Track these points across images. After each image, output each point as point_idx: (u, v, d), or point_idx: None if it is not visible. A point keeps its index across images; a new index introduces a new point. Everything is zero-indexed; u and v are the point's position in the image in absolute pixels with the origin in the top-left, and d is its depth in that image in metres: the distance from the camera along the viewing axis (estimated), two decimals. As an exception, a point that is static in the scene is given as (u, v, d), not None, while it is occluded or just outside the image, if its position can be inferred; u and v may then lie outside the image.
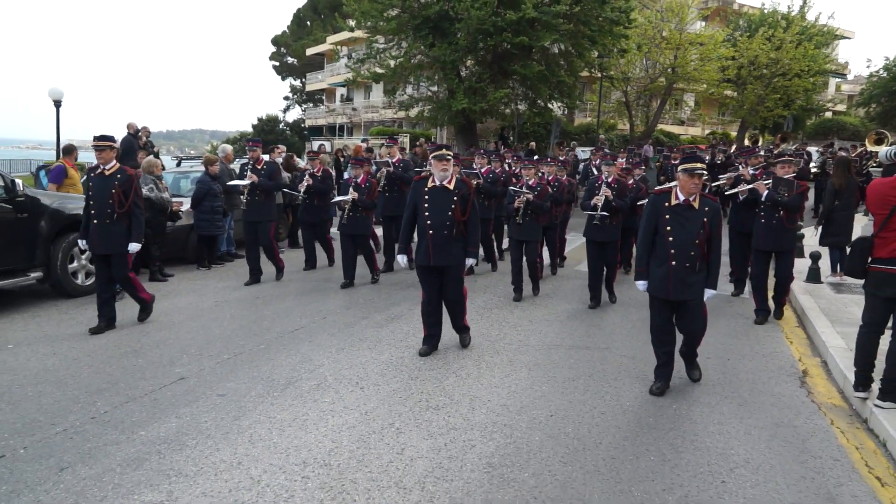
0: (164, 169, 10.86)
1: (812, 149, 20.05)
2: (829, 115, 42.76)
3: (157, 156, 14.28)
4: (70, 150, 9.60)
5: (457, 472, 3.79)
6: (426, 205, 5.84)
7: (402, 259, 6.11)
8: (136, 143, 14.23)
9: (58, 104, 14.96)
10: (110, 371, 5.41)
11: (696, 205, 5.02)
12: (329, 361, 5.69)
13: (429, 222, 5.80)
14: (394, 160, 10.17)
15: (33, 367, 5.48)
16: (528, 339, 6.53)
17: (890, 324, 4.80)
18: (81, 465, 3.80)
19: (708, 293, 5.12)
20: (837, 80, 47.70)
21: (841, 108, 45.22)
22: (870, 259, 4.78)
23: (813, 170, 14.08)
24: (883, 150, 6.08)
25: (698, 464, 3.96)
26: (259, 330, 6.66)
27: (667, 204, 5.09)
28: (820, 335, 6.55)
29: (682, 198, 5.05)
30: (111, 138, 6.74)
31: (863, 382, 4.92)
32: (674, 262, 5.00)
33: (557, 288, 8.92)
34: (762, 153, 9.47)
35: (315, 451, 4.02)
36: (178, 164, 13.61)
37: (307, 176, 9.61)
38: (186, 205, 9.92)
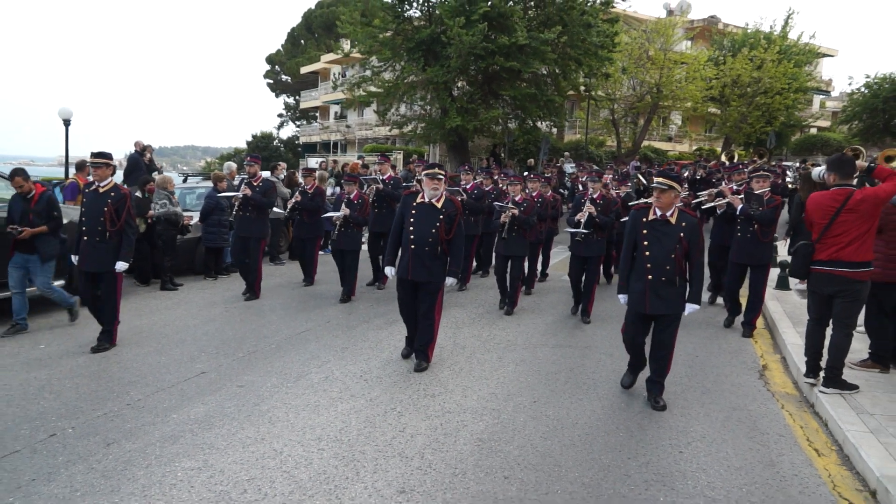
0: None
1: (788, 163, 20.78)
2: (813, 131, 43.83)
3: (160, 173, 14.87)
4: (82, 167, 10.16)
5: (451, 445, 4.39)
6: (412, 219, 5.99)
7: (389, 271, 6.21)
8: (143, 161, 14.82)
9: (67, 123, 15.57)
10: (137, 367, 5.98)
11: (673, 220, 5.10)
12: (335, 358, 6.28)
13: (412, 237, 5.93)
14: (384, 177, 10.14)
15: (67, 364, 6.04)
16: (516, 339, 7.13)
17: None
18: (125, 441, 4.38)
19: (690, 308, 5.15)
20: (822, 96, 48.85)
21: (825, 124, 46.24)
22: (811, 262, 5.43)
23: (790, 185, 14.78)
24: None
25: (661, 438, 4.57)
26: (268, 333, 7.24)
27: (645, 219, 5.19)
28: (781, 335, 7.18)
29: (658, 213, 5.14)
30: (108, 155, 6.67)
31: (813, 370, 5.53)
32: (650, 277, 5.07)
33: (542, 298, 9.52)
34: (746, 170, 9.73)
35: (327, 429, 4.61)
36: (185, 181, 14.19)
37: (297, 193, 9.81)
38: (195, 219, 10.50)
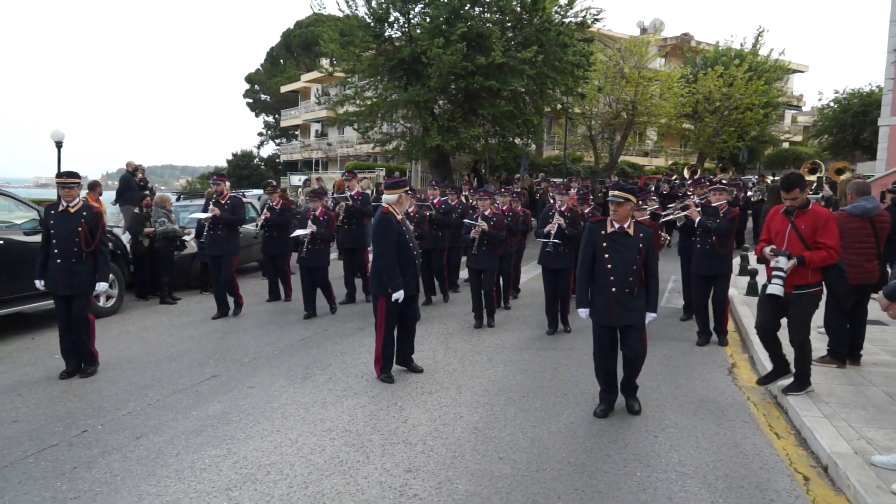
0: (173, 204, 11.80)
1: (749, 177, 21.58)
2: (786, 145, 45.10)
3: (152, 192, 15.24)
4: (94, 186, 10.58)
5: (450, 433, 4.86)
6: (407, 237, 6.13)
7: (401, 294, 5.99)
8: (134, 181, 15.17)
9: (59, 145, 15.91)
10: (151, 372, 6.39)
11: (631, 231, 5.17)
12: (336, 362, 6.73)
13: (415, 252, 6.20)
14: (352, 193, 10.17)
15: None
16: (503, 343, 7.62)
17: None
18: (153, 435, 4.80)
19: (649, 317, 5.24)
20: (793, 111, 50.30)
21: (798, 138, 47.53)
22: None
23: (754, 198, 15.50)
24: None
25: (638, 425, 5.07)
26: (270, 340, 7.67)
27: (603, 232, 5.22)
28: (749, 336, 7.74)
29: (616, 225, 5.19)
30: (76, 174, 6.51)
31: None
32: (614, 289, 5.11)
33: (520, 312, 10.02)
34: (707, 184, 10.05)
35: (336, 422, 5.06)
36: (178, 199, 14.55)
37: (265, 209, 9.94)
38: (191, 235, 10.89)
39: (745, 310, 9.16)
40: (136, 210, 10.31)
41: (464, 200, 11.39)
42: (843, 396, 5.55)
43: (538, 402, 5.57)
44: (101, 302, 9.17)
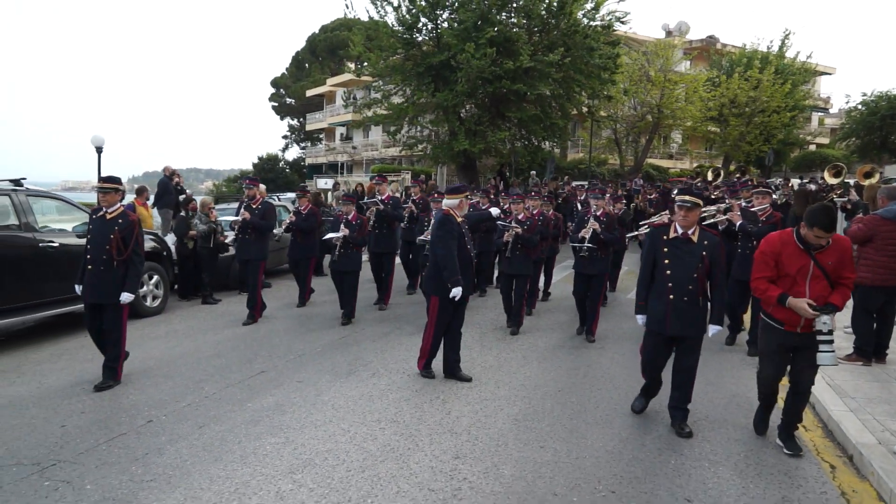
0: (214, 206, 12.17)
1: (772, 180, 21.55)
2: (812, 148, 44.70)
3: (188, 197, 15.74)
4: (142, 191, 11.04)
5: (492, 423, 5.14)
6: (466, 239, 6.34)
7: (459, 291, 6.11)
8: (171, 185, 15.69)
9: (99, 150, 16.47)
10: (204, 368, 6.75)
11: (694, 238, 4.97)
12: (377, 359, 7.04)
13: (472, 254, 6.45)
14: (383, 197, 10.18)
15: (138, 367, 6.79)
16: (536, 342, 7.87)
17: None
18: (214, 424, 5.14)
19: (712, 329, 5.03)
20: (820, 114, 49.83)
21: (825, 140, 47.07)
22: None
23: (779, 201, 15.55)
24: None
25: (671, 418, 5.30)
26: (312, 339, 8.00)
27: (665, 237, 5.04)
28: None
29: (680, 231, 5.00)
30: (116, 180, 6.42)
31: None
32: (672, 297, 4.91)
33: (548, 317, 10.25)
34: (752, 187, 9.66)
35: (384, 414, 5.36)
36: (216, 203, 15.02)
37: (291, 213, 9.99)
38: (229, 237, 11.27)
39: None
40: (182, 213, 10.72)
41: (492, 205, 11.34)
42: (869, 392, 5.74)
43: (573, 397, 5.83)
44: (148, 302, 9.58)
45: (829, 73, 49.79)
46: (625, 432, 4.98)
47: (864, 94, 34.73)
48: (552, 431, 5.00)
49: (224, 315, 9.48)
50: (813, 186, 15.97)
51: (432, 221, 7.20)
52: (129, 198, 12.51)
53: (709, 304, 5.06)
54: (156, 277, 9.79)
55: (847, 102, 38.11)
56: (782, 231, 4.68)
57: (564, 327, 8.72)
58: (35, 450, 4.72)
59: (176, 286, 10.74)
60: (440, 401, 5.70)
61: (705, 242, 4.98)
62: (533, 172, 24.77)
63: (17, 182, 8.26)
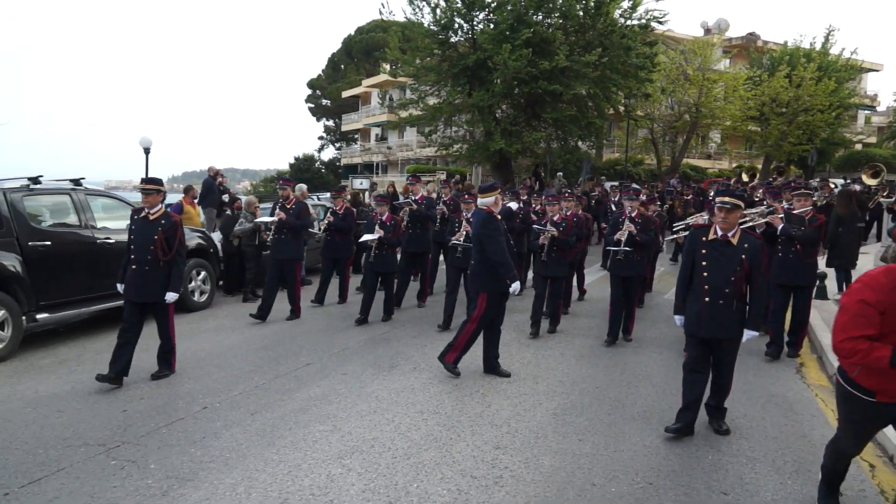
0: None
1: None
2: (859, 147, 43.62)
3: (232, 196, 16.19)
4: (189, 190, 11.44)
5: (532, 417, 5.30)
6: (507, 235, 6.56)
7: (518, 287, 6.41)
8: (216, 185, 16.15)
9: (147, 151, 17.04)
10: (252, 359, 7.03)
11: (734, 241, 4.90)
12: (418, 353, 7.24)
13: (514, 251, 6.71)
14: (417, 198, 10.26)
15: (191, 357, 7.10)
16: (573, 341, 7.98)
17: None
18: (265, 412, 5.39)
19: (748, 334, 4.94)
20: (867, 112, 48.61)
21: (872, 139, 45.92)
22: None
23: (818, 202, 15.32)
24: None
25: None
26: (354, 333, 8.23)
27: (704, 238, 5.00)
28: (818, 338, 7.89)
29: (719, 233, 4.96)
30: (158, 181, 6.59)
31: None
32: (707, 299, 4.88)
33: (582, 321, 10.32)
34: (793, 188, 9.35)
35: (426, 405, 5.55)
36: (259, 202, 15.42)
37: (328, 213, 10.13)
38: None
39: (815, 313, 9.25)
40: (228, 212, 11.06)
41: (523, 206, 11.13)
42: (912, 394, 5.72)
43: (611, 393, 5.95)
44: (196, 297, 9.93)
45: (877, 70, 48.50)
46: (662, 428, 5.08)
47: (913, 92, 33.87)
48: (590, 426, 5.13)
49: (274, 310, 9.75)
50: (858, 187, 15.74)
51: (470, 221, 7.37)
52: (177, 196, 13.02)
53: (747, 308, 4.97)
54: (203, 273, 10.14)
55: (895, 100, 37.20)
56: (887, 269, 3.42)
57: (600, 329, 8.67)
58: (100, 432, 5.02)
59: (221, 282, 11.10)
60: (480, 394, 5.87)
61: (745, 245, 4.90)
62: (560, 174, 24.71)
63: (76, 182, 8.66)
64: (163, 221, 6.33)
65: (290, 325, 8.75)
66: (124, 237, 8.77)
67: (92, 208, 8.69)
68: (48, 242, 7.85)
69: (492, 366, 6.54)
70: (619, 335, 7.90)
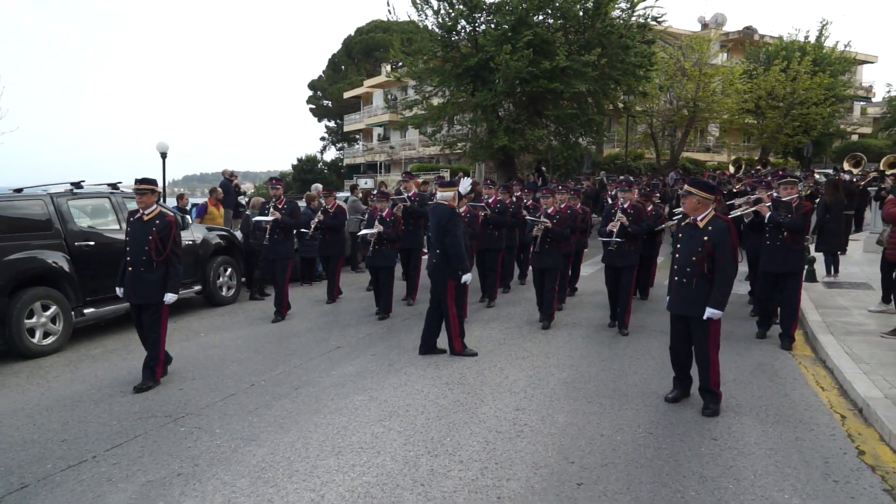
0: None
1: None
2: (855, 137, 44.20)
3: (245, 196, 16.90)
4: (213, 191, 12.13)
5: (545, 385, 5.97)
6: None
7: (470, 277, 6.94)
8: (231, 187, 16.84)
9: (164, 155, 17.73)
10: (287, 345, 7.71)
11: (701, 224, 5.31)
12: (439, 337, 7.88)
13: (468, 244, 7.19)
14: (409, 194, 10.45)
15: (230, 344, 7.78)
16: (580, 323, 8.63)
17: None
18: (307, 387, 6.06)
19: (709, 312, 5.16)
20: (863, 103, 49.18)
21: (867, 130, 46.48)
22: None
23: (804, 192, 15.95)
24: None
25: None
26: (373, 321, 8.89)
27: (682, 224, 5.51)
28: (805, 315, 8.54)
29: (691, 218, 5.41)
30: (153, 181, 6.52)
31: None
32: (676, 278, 5.38)
33: (577, 313, 10.92)
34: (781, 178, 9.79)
35: (451, 378, 6.23)
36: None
37: (319, 213, 10.40)
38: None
39: (803, 294, 9.89)
40: (248, 212, 11.73)
41: (514, 200, 11.17)
42: (883, 358, 6.40)
43: (615, 365, 6.62)
44: (224, 291, 10.59)
45: (871, 62, 49.14)
46: (662, 392, 5.73)
47: (905, 84, 34.44)
48: (598, 391, 5.80)
49: (293, 302, 10.38)
50: (847, 176, 16.38)
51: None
52: (200, 200, 13.73)
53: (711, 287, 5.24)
54: (230, 270, 10.80)
55: (888, 91, 37.69)
56: None
57: (603, 318, 8.73)
58: (163, 406, 5.69)
59: (244, 279, 11.74)
60: (498, 368, 6.54)
61: (710, 228, 5.24)
62: (603, 172, 25.37)
63: (114, 186, 9.33)
64: (157, 222, 6.27)
65: (315, 316, 9.42)
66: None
67: (126, 208, 9.35)
68: (91, 242, 8.51)
69: (428, 347, 7.12)
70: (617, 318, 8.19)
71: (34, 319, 7.61)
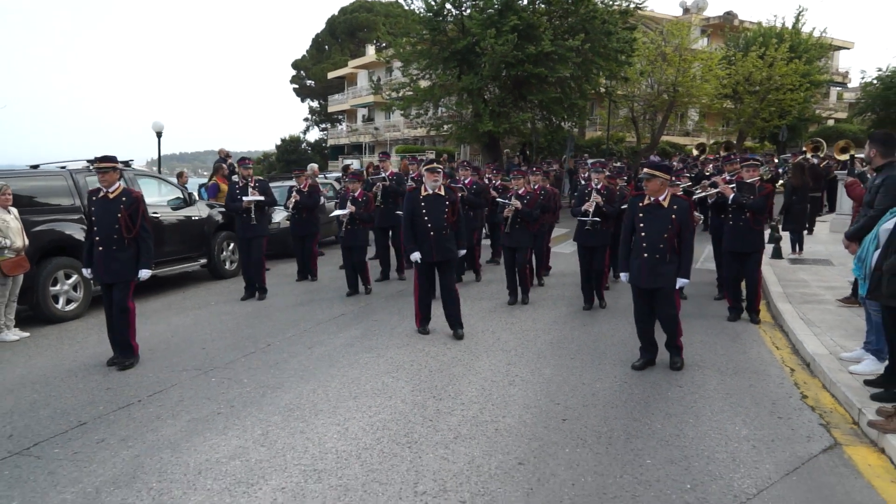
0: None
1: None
2: (830, 122, 45.23)
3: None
4: (218, 169, 12.65)
5: (533, 345, 6.70)
6: (423, 210, 6.96)
7: (417, 255, 7.00)
8: (224, 167, 17.32)
9: (159, 134, 18.13)
10: (294, 312, 8.39)
11: (665, 203, 5.71)
12: (435, 304, 8.52)
13: (429, 225, 6.93)
14: (387, 174, 10.69)
15: (240, 312, 8.41)
16: (562, 295, 9.34)
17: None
18: (319, 346, 6.75)
19: (680, 282, 5.79)
20: (838, 88, 50.28)
21: (843, 115, 47.52)
22: None
23: (765, 176, 16.80)
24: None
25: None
26: (377, 292, 9.55)
27: (640, 204, 5.84)
28: (768, 287, 9.32)
29: (652, 199, 5.79)
30: (113, 159, 6.36)
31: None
32: (646, 255, 5.72)
33: (557, 289, 11.62)
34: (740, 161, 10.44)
35: (448, 340, 6.94)
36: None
37: (294, 192, 10.54)
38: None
39: (768, 269, 10.70)
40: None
41: (485, 182, 11.34)
42: (832, 323, 7.19)
43: (595, 329, 7.37)
44: (227, 265, 11.18)
45: (847, 48, 50.22)
46: (635, 350, 6.43)
47: (880, 70, 35.34)
48: (579, 349, 6.54)
49: (291, 276, 11.01)
50: (815, 160, 17.22)
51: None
52: (200, 180, 14.24)
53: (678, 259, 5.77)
54: (232, 245, 11.38)
55: (863, 77, 38.60)
56: None
57: (570, 301, 8.84)
58: (191, 361, 6.34)
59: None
60: (490, 331, 7.26)
61: (675, 207, 5.71)
62: (507, 151, 25.91)
63: (126, 163, 9.85)
64: (124, 199, 6.19)
65: (318, 286, 10.09)
66: (166, 212, 10.13)
67: (139, 185, 9.90)
68: (106, 215, 9.05)
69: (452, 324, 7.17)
70: (594, 300, 8.49)
71: (58, 287, 8.20)
